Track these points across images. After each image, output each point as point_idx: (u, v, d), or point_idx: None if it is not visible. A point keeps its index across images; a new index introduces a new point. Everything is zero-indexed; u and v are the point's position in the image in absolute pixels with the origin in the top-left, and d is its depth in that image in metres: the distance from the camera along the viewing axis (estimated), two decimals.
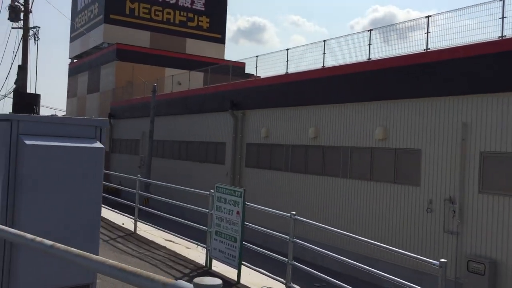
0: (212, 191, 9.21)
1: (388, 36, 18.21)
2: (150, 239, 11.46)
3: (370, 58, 16.66)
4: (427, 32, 14.70)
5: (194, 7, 46.14)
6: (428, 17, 14.74)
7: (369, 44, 16.69)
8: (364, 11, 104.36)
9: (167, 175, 27.63)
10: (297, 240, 7.16)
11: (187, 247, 10.95)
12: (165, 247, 10.82)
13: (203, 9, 46.55)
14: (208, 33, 46.83)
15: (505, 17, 12.66)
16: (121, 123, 36.82)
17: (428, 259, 5.58)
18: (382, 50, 16.92)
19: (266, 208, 8.45)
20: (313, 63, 19.43)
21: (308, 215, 16.35)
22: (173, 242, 11.38)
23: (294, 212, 7.33)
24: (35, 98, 9.20)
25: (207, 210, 9.44)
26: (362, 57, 17.24)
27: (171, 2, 44.91)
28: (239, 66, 31.11)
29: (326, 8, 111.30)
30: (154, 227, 12.37)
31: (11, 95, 25.32)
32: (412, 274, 13.44)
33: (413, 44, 15.77)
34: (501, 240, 12.63)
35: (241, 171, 22.88)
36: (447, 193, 13.99)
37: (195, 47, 45.49)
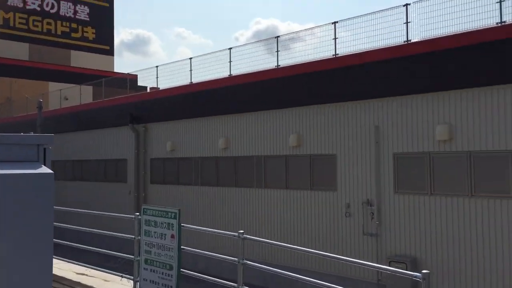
0: (138, 214, 8.13)
1: (273, 46, 18.24)
2: (60, 275, 9.93)
3: (279, 65, 16.50)
4: (335, 38, 14.87)
5: (77, 17, 43.25)
6: (334, 23, 14.91)
7: (277, 51, 16.53)
8: (248, 23, 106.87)
9: (63, 199, 25.16)
10: (248, 262, 6.43)
11: (105, 280, 9.63)
12: (79, 282, 9.41)
13: (88, 19, 43.83)
14: (95, 45, 44.16)
15: (409, 22, 13.17)
16: None
17: (409, 272, 5.21)
18: (292, 57, 16.84)
19: (209, 228, 7.60)
20: (218, 71, 18.85)
21: (223, 229, 15.63)
22: (87, 275, 9.97)
23: (242, 231, 6.60)
24: None
25: (132, 236, 8.32)
26: (271, 64, 17.04)
27: (51, 11, 41.61)
28: (131, 79, 29.54)
29: (211, 21, 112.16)
30: (62, 260, 10.79)
31: None
32: (339, 280, 13.32)
33: (322, 51, 15.90)
34: (419, 237, 13.01)
35: (146, 188, 21.48)
36: (364, 196, 14.16)
37: (81, 59, 42.58)
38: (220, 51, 18.74)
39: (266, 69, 16.92)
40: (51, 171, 3.18)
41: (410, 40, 13.18)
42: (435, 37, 12.48)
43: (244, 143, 17.49)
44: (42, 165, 3.22)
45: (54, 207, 3.59)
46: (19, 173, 2.91)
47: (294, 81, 15.84)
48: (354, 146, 14.39)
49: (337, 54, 14.85)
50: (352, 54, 14.25)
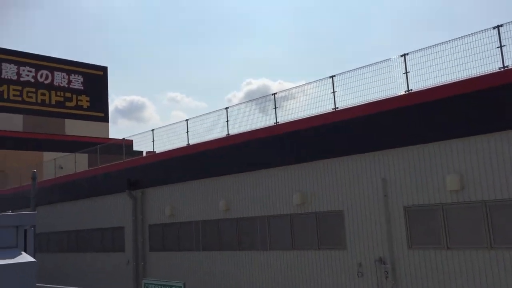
0: None
1: (266, 105, 18.09)
2: None
3: (277, 122, 16.19)
4: (333, 92, 14.65)
5: (72, 86, 43.58)
6: (332, 77, 14.75)
7: (275, 108, 16.28)
8: (239, 84, 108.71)
9: (58, 272, 24.04)
10: None
11: None
12: None
13: (82, 88, 44.16)
14: (90, 112, 44.23)
15: (409, 72, 13.01)
16: None
17: None
18: (286, 114, 16.57)
19: None
20: (215, 132, 18.50)
21: None
22: None
23: None
24: None
25: None
26: (266, 122, 16.75)
27: (45, 82, 41.94)
28: (127, 144, 29.22)
29: (203, 84, 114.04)
30: None
31: None
32: None
33: (319, 105, 15.65)
34: None
35: (145, 257, 20.52)
36: (376, 254, 13.40)
37: (76, 128, 42.47)
38: (216, 111, 18.50)
39: (264, 126, 16.60)
40: (32, 259, 2.61)
41: (411, 90, 12.96)
42: (440, 84, 12.25)
43: (246, 204, 16.85)
44: (22, 252, 2.66)
45: (47, 285, 2.99)
46: None
47: (294, 137, 15.47)
48: (361, 200, 13.80)
49: (337, 108, 14.58)
50: (354, 107, 13.97)
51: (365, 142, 13.72)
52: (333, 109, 14.68)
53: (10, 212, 3.01)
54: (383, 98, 13.43)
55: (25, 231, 2.82)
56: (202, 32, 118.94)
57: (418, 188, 12.67)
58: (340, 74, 14.42)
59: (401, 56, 13.12)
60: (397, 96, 13.24)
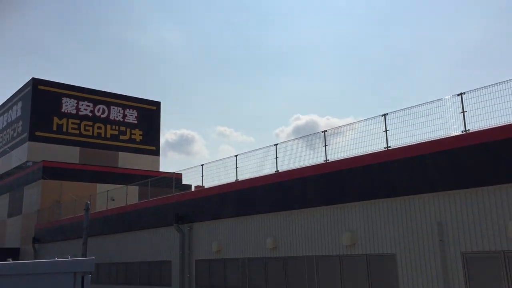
0: None
1: (315, 142, 17.89)
2: None
3: (327, 160, 15.94)
4: (386, 130, 14.31)
5: (126, 120, 45.14)
6: (384, 115, 14.43)
7: (325, 145, 16.07)
8: (287, 119, 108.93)
9: None
10: None
11: None
12: None
13: (136, 122, 45.65)
14: (142, 146, 45.50)
15: (466, 111, 12.53)
16: (48, 247, 33.08)
17: None
18: (336, 152, 16.30)
19: None
20: (262, 168, 18.43)
21: None
22: None
23: None
24: None
25: None
26: (314, 160, 16.54)
27: (102, 116, 43.69)
28: (176, 178, 29.69)
29: (251, 118, 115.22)
30: None
31: None
32: None
33: (369, 144, 15.29)
34: None
35: None
36: None
37: (128, 160, 43.72)
38: (265, 147, 18.49)
39: (313, 164, 16.37)
40: None
41: (468, 130, 12.45)
42: (501, 125, 11.71)
43: (294, 243, 16.50)
44: None
45: None
46: None
47: (344, 176, 15.14)
48: (415, 244, 13.17)
49: (389, 147, 14.19)
50: (407, 146, 13.55)
51: (419, 183, 13.20)
52: (385, 147, 14.31)
53: (68, 258, 3.00)
54: (438, 138, 12.96)
55: (83, 278, 2.79)
56: (251, 68, 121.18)
57: (477, 233, 11.97)
58: (392, 112, 14.09)
59: (458, 95, 12.69)
60: (453, 136, 12.74)
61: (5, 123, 45.37)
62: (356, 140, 15.48)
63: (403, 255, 13.40)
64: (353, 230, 14.67)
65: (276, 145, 17.91)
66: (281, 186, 17.22)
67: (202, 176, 21.29)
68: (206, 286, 19.76)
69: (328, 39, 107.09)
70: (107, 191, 30.65)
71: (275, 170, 17.72)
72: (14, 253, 35.92)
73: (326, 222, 15.52)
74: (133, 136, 45.18)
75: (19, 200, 39.66)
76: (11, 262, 2.85)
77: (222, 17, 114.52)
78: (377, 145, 14.70)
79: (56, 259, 2.96)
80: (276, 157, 17.74)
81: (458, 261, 12.24)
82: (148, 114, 46.53)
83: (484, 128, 12.11)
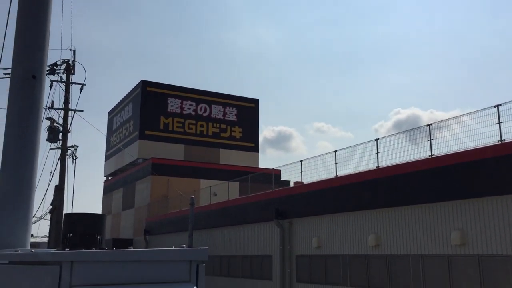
0: None
1: (417, 137, 17.01)
2: None
3: (433, 155, 15.18)
4: (499, 122, 13.28)
5: (226, 118, 46.59)
6: (497, 106, 13.40)
7: (430, 140, 15.30)
8: (387, 114, 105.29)
9: None
10: None
11: None
12: None
13: (236, 119, 46.93)
14: (241, 143, 46.68)
15: None
16: (157, 239, 35.26)
17: None
18: (442, 146, 15.45)
19: None
20: (361, 164, 18.03)
21: None
22: None
23: None
24: (98, 221, 4.46)
25: None
26: (420, 154, 15.82)
27: (204, 115, 45.51)
28: (275, 174, 30.06)
29: (349, 113, 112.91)
30: None
31: (47, 216, 24.32)
32: None
33: (477, 138, 14.29)
34: None
35: (292, 287, 20.55)
36: None
37: (229, 157, 45.11)
38: (365, 142, 18.06)
39: (417, 159, 15.68)
40: None
41: None
42: None
43: (397, 240, 15.95)
44: (195, 287, 2.76)
45: None
46: None
47: (454, 171, 14.31)
48: None
49: (504, 140, 13.16)
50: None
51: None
52: (498, 141, 13.29)
53: (184, 247, 3.20)
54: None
55: (197, 266, 2.95)
56: (348, 62, 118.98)
57: (496, 238, 10.69)
58: (507, 103, 13.03)
59: None
60: None
61: (118, 123, 49.03)
62: (464, 134, 14.58)
63: None
64: (463, 228, 13.81)
65: (377, 140, 17.43)
66: (383, 182, 16.71)
67: (301, 172, 21.35)
68: (307, 282, 19.80)
69: (429, 29, 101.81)
70: (210, 186, 31.90)
71: (376, 166, 17.25)
72: (128, 243, 38.77)
73: (432, 219, 14.79)
74: (233, 134, 46.51)
75: (131, 195, 42.70)
76: (133, 249, 3.11)
77: (317, 13, 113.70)
78: (487, 139, 13.71)
79: (174, 247, 3.17)
80: (377, 152, 17.26)
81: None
82: (247, 111, 47.61)
83: None
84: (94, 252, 2.99)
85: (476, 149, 13.79)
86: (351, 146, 18.78)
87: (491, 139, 13.51)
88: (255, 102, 48.73)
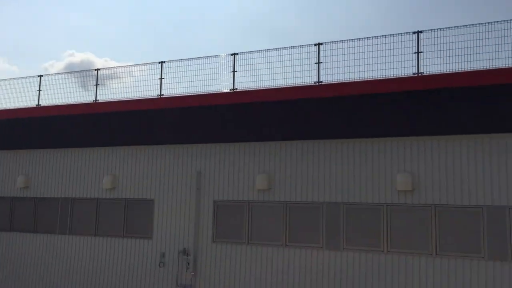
0: None
1: (86, 82, 17.17)
2: None
3: (97, 100, 15.15)
4: (161, 78, 14.27)
5: None
6: (161, 62, 14.35)
7: (96, 85, 15.21)
8: (61, 54, 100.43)
9: None
10: None
11: None
12: None
13: None
14: None
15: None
16: None
17: None
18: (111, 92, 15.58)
19: None
20: (27, 99, 16.53)
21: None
22: None
23: None
24: None
25: None
26: (87, 98, 15.58)
27: None
28: None
29: (19, 48, 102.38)
30: None
31: None
32: None
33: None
34: (238, 287, 12.72)
35: None
36: (181, 245, 13.46)
37: None
38: (29, 77, 16.50)
39: (83, 102, 15.38)
40: None
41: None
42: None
43: (47, 183, 15.40)
44: None
45: None
46: None
47: (113, 117, 14.64)
48: (174, 191, 13.72)
49: (162, 95, 14.22)
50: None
51: (183, 134, 13.68)
52: (158, 95, 14.32)
53: None
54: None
55: None
56: None
57: (230, 184, 13.09)
58: (170, 61, 14.11)
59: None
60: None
61: None
62: (133, 84, 15.06)
63: (161, 200, 13.81)
64: (114, 174, 14.44)
65: (40, 76, 16.19)
66: (44, 121, 15.71)
67: None
68: None
69: None
70: None
71: (37, 104, 16.07)
72: None
73: (87, 164, 14.90)
74: None
75: None
76: None
77: None
78: (150, 92, 14.52)
79: None
80: (39, 90, 16.08)
81: (210, 208, 13.23)
82: None
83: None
84: None
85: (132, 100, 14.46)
86: (13, 78, 16.89)
87: (152, 92, 14.38)
88: None
